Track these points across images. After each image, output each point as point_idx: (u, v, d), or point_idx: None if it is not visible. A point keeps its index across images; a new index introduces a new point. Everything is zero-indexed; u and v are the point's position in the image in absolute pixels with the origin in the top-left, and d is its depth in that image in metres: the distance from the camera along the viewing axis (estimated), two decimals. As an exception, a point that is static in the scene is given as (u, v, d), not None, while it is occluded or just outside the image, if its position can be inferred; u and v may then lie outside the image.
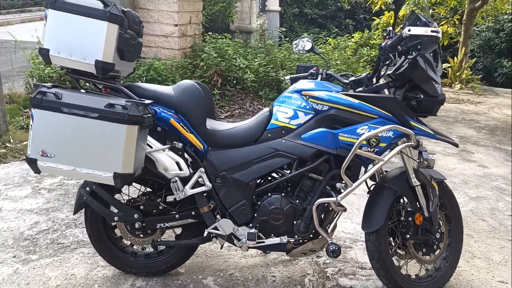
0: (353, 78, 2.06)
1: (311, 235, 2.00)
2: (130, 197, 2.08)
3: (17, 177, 3.24)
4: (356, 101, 1.88)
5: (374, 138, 1.85)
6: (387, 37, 1.99)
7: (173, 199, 2.05)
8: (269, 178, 2.04)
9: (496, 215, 3.09)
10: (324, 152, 1.91)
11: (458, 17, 9.50)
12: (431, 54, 1.91)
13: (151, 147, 1.86)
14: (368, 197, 2.07)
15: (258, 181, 2.00)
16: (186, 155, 1.94)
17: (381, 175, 2.12)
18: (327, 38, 9.54)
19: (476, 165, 4.12)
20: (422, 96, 1.85)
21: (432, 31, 1.67)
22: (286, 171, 1.98)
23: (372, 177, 2.06)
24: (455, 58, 8.57)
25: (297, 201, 1.97)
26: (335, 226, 2.06)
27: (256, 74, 5.57)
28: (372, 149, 1.87)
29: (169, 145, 1.89)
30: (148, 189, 2.11)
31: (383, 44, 1.85)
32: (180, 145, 1.91)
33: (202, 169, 1.93)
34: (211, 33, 5.97)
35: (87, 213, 2.06)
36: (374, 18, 10.62)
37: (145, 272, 2.15)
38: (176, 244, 2.11)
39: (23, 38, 5.37)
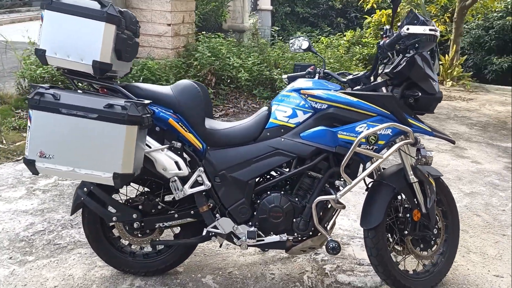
0: (350, 76, 2.08)
1: (310, 233, 2.01)
2: (128, 197, 2.07)
3: (11, 178, 3.21)
4: (355, 99, 1.89)
5: (373, 136, 1.86)
6: (384, 35, 2.00)
7: (172, 198, 2.05)
8: (268, 176, 2.04)
9: (490, 210, 3.13)
10: (323, 150, 1.92)
11: (449, 15, 9.59)
12: (428, 52, 1.92)
13: (150, 147, 1.85)
14: (367, 194, 2.09)
15: (257, 179, 2.00)
16: (185, 154, 1.94)
17: (379, 172, 2.13)
18: (320, 36, 9.57)
19: (469, 161, 4.17)
20: (420, 94, 1.87)
21: (430, 30, 1.69)
22: (285, 169, 1.99)
23: (370, 174, 2.07)
24: (446, 55, 8.65)
25: (296, 199, 1.98)
26: (334, 223, 2.07)
27: (250, 73, 5.57)
28: (371, 147, 1.88)
29: (168, 145, 1.89)
30: (146, 189, 2.10)
31: (381, 42, 1.86)
32: (178, 144, 1.91)
33: (201, 169, 1.93)
34: (204, 32, 5.95)
35: (84, 213, 2.05)
36: (366, 16, 10.69)
37: (143, 272, 2.14)
38: (175, 243, 2.10)
39: (13, 39, 5.31)
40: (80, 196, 1.95)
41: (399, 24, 2.00)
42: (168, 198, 2.10)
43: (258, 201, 1.97)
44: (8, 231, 2.50)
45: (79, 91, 1.78)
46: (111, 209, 1.99)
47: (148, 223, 2.01)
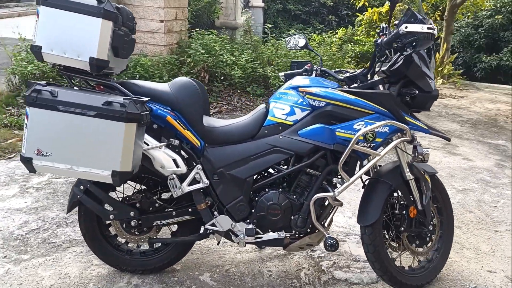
0: (348, 74, 2.08)
1: (308, 230, 2.02)
2: (125, 195, 2.06)
3: (3, 176, 3.17)
4: (353, 97, 1.90)
5: (370, 134, 1.87)
6: (380, 33, 2.01)
7: (170, 196, 2.04)
8: (266, 174, 2.04)
9: (482, 207, 3.17)
10: (321, 148, 1.92)
11: (439, 13, 9.67)
12: (424, 50, 1.94)
13: (148, 145, 1.84)
14: (363, 192, 2.10)
15: (255, 177, 2.00)
16: (182, 152, 1.94)
17: (375, 170, 2.15)
18: (312, 34, 9.59)
19: (461, 158, 4.22)
20: (417, 92, 1.89)
21: (428, 28, 1.71)
22: (283, 167, 2.00)
23: (366, 172, 2.09)
24: (437, 53, 8.72)
25: (294, 196, 1.99)
26: (331, 220, 2.08)
27: (243, 70, 5.56)
28: (369, 144, 1.90)
29: (165, 143, 1.88)
30: (143, 187, 2.09)
31: (379, 40, 1.87)
32: (176, 142, 1.90)
33: (199, 166, 1.93)
34: (198, 29, 5.92)
35: (81, 211, 2.04)
36: (358, 14, 10.75)
37: (141, 270, 2.13)
38: (173, 241, 2.10)
39: (2, 34, 5.23)
40: (77, 194, 1.94)
41: (395, 22, 2.01)
42: (164, 196, 2.09)
43: (256, 198, 1.98)
44: (2, 229, 2.47)
45: (75, 88, 1.76)
46: (108, 207, 1.98)
47: (146, 221, 2.00)
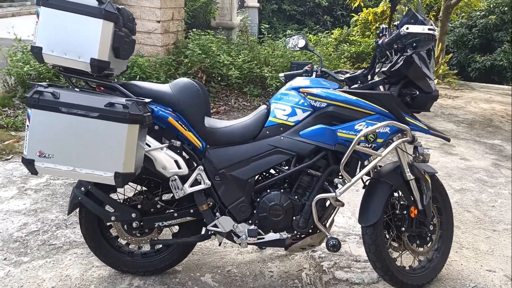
0: (348, 75, 2.09)
1: (310, 230, 2.03)
2: (126, 197, 2.05)
3: (1, 177, 3.14)
4: (354, 97, 1.91)
5: (371, 134, 1.88)
6: (381, 34, 2.02)
7: (171, 197, 2.04)
8: (267, 175, 2.05)
9: (480, 207, 3.19)
10: (322, 148, 1.93)
11: (434, 13, 9.72)
12: (424, 51, 1.95)
13: (149, 146, 1.84)
14: (364, 192, 2.11)
15: (256, 178, 2.00)
16: (184, 153, 1.93)
17: (376, 170, 2.16)
18: (308, 34, 9.61)
19: (458, 158, 4.25)
20: (417, 92, 1.90)
21: (429, 29, 1.71)
22: (284, 167, 2.00)
23: (366, 172, 2.10)
24: (432, 53, 8.75)
25: (296, 197, 1.99)
26: (332, 220, 2.09)
27: (240, 70, 5.55)
28: (370, 145, 1.90)
29: (167, 144, 1.88)
30: (144, 188, 2.08)
31: (379, 41, 1.88)
32: (178, 143, 1.90)
33: (201, 167, 1.92)
34: (195, 29, 5.91)
35: (81, 213, 2.03)
36: (353, 14, 10.78)
37: (142, 271, 2.13)
38: (175, 242, 2.10)
39: (-2, 35, 5.20)
40: (78, 196, 1.93)
41: (395, 23, 2.03)
42: (165, 197, 2.09)
43: (258, 199, 1.98)
44: (1, 231, 2.45)
45: (76, 89, 1.75)
46: (109, 208, 1.97)
47: (148, 222, 1.99)
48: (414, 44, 1.80)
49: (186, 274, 2.19)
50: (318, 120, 1.92)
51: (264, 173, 2.03)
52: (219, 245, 2.18)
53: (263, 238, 2.00)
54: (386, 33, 2.00)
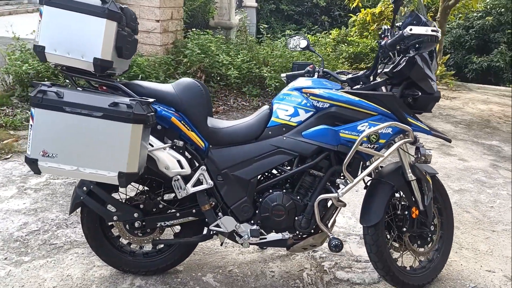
0: (350, 75, 2.10)
1: (312, 231, 2.03)
2: (128, 196, 2.05)
3: (1, 177, 3.13)
4: (356, 98, 1.91)
5: (374, 135, 1.89)
6: (382, 35, 2.03)
7: (173, 197, 2.04)
8: (269, 175, 2.05)
9: (479, 207, 3.21)
10: (324, 149, 1.93)
11: (432, 14, 9.75)
12: (427, 52, 1.96)
13: (152, 146, 1.84)
14: (366, 192, 2.12)
15: (259, 178, 2.00)
16: (186, 153, 1.93)
17: (377, 171, 2.17)
18: (306, 35, 9.60)
19: (456, 159, 4.27)
20: (420, 93, 1.91)
21: (432, 30, 1.72)
22: (286, 168, 2.00)
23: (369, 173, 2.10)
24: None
25: (298, 197, 1.99)
26: (334, 221, 2.09)
27: (239, 70, 5.55)
28: (372, 146, 1.91)
29: (170, 144, 1.88)
30: (146, 188, 2.08)
31: (382, 42, 1.89)
32: (181, 143, 1.90)
33: (204, 167, 1.93)
34: (194, 29, 5.91)
35: (83, 213, 2.02)
36: (351, 15, 10.78)
37: (144, 271, 2.13)
38: (177, 242, 2.10)
39: (-4, 33, 5.18)
40: (80, 196, 1.92)
41: (397, 24, 2.03)
42: (167, 197, 2.08)
43: (260, 199, 1.98)
44: (1, 231, 2.44)
45: (78, 88, 1.75)
46: (111, 208, 1.96)
47: (150, 222, 1.99)
48: (417, 45, 1.80)
49: (187, 274, 2.19)
50: (320, 120, 1.93)
51: (266, 173, 2.03)
52: (221, 245, 2.19)
53: (265, 238, 2.01)
54: (388, 34, 2.01)
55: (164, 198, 2.07)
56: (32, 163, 1.60)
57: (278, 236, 2.01)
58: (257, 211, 1.98)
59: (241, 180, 1.95)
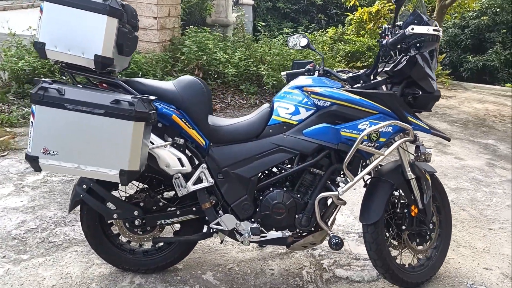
0: (350, 74, 2.10)
1: (312, 229, 2.03)
2: (128, 194, 2.04)
3: (-3, 174, 3.11)
4: (357, 97, 1.92)
5: (374, 133, 1.90)
6: (383, 34, 2.03)
7: (173, 195, 2.03)
8: (270, 173, 2.05)
9: (476, 205, 3.24)
10: (325, 147, 1.94)
11: (428, 13, 9.78)
12: (427, 51, 1.96)
13: (153, 144, 1.83)
14: (365, 191, 2.13)
15: (259, 176, 2.00)
16: (187, 151, 1.93)
17: (376, 169, 2.17)
18: (304, 33, 9.60)
19: (453, 158, 4.29)
20: (420, 92, 1.91)
21: (434, 30, 1.73)
22: (287, 166, 2.01)
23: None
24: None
25: (298, 195, 2.00)
26: (334, 219, 2.10)
27: (236, 68, 5.55)
28: (373, 144, 1.92)
29: (171, 141, 1.87)
30: (145, 186, 2.08)
31: (383, 41, 1.89)
32: (181, 141, 1.89)
33: (204, 165, 1.92)
34: (192, 26, 5.89)
35: (83, 210, 2.02)
36: (348, 14, 10.79)
37: (143, 269, 2.12)
38: (177, 240, 2.09)
39: (-9, 29, 5.13)
40: (79, 193, 1.92)
41: (398, 23, 2.04)
42: (167, 195, 2.08)
43: (261, 197, 1.98)
44: (-1, 229, 2.43)
45: (79, 86, 1.74)
46: (111, 206, 1.96)
47: (150, 220, 1.99)
48: (418, 44, 1.81)
49: (187, 272, 2.19)
50: (321, 119, 1.93)
51: (267, 171, 2.04)
52: (221, 243, 2.19)
53: (266, 236, 2.01)
54: (389, 33, 2.01)
55: (164, 196, 2.07)
56: (33, 161, 1.59)
57: (278, 234, 2.01)
58: (257, 209, 1.99)
59: (241, 178, 1.95)
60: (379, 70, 2.01)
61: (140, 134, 1.62)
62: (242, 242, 2.02)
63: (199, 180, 1.93)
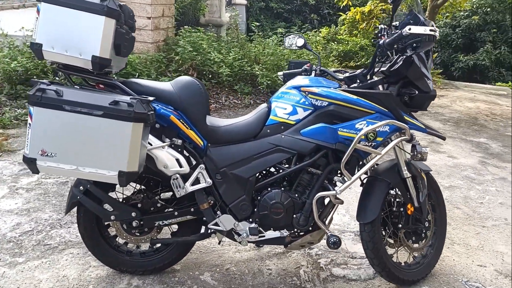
0: (347, 74, 2.12)
1: (310, 228, 2.04)
2: (125, 195, 2.03)
3: (-10, 176, 3.08)
4: (354, 97, 1.93)
5: (372, 133, 1.91)
6: (379, 35, 2.05)
7: (171, 196, 2.03)
8: (267, 173, 2.06)
9: (469, 203, 3.27)
10: (323, 147, 1.95)
11: (420, 13, 9.85)
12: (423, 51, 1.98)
13: (151, 145, 1.83)
14: (362, 190, 2.14)
15: (257, 176, 2.01)
16: (185, 151, 1.93)
17: (373, 168, 2.19)
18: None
19: (446, 156, 4.34)
20: (416, 92, 1.93)
21: (430, 30, 1.75)
22: (285, 166, 2.01)
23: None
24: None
25: (296, 195, 2.01)
26: (331, 218, 2.11)
27: (231, 68, 5.55)
28: (370, 143, 1.93)
29: (169, 142, 1.87)
30: (143, 187, 2.07)
31: (380, 41, 1.91)
32: (179, 142, 1.89)
33: (202, 166, 1.92)
34: (187, 26, 5.88)
35: (80, 212, 2.00)
36: (340, 13, 10.84)
37: (141, 271, 2.12)
38: (175, 241, 2.09)
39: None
40: (76, 195, 1.91)
41: (394, 23, 2.05)
42: (164, 195, 2.07)
43: (259, 197, 1.99)
44: (-6, 231, 2.41)
45: (76, 87, 1.73)
46: (108, 207, 1.95)
47: (148, 221, 1.98)
48: (415, 44, 1.83)
49: (185, 273, 2.18)
50: (319, 118, 1.94)
51: (265, 172, 2.04)
52: (219, 243, 2.19)
53: (264, 236, 2.01)
54: (385, 33, 2.03)
55: (161, 197, 2.06)
56: (31, 163, 1.58)
57: (276, 234, 2.02)
58: (255, 209, 1.99)
59: (239, 179, 1.95)
60: (376, 70, 2.03)
61: (139, 135, 1.61)
62: (240, 243, 2.02)
63: (197, 181, 1.93)
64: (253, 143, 1.97)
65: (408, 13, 1.91)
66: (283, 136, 1.96)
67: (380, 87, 2.00)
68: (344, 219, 2.87)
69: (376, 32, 2.07)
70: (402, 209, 2.14)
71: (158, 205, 2.01)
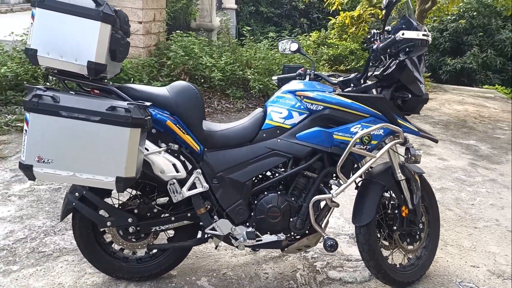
0: (341, 78, 2.14)
1: (306, 231, 2.06)
2: (121, 201, 2.02)
3: (-19, 183, 3.04)
4: (349, 100, 1.95)
5: (366, 136, 1.94)
6: (372, 39, 2.08)
7: (168, 201, 2.03)
8: (264, 177, 2.07)
9: (460, 205, 3.32)
10: (318, 151, 1.97)
11: (408, 18, 9.98)
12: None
13: (147, 150, 1.83)
14: (357, 193, 2.16)
15: (253, 180, 2.02)
16: (181, 156, 1.93)
17: (367, 171, 2.21)
18: (287, 37, 9.68)
19: (436, 158, 4.39)
20: (409, 95, 1.97)
21: (423, 35, 1.78)
22: (281, 169, 2.03)
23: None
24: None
25: (293, 198, 2.02)
26: (327, 221, 2.13)
27: (222, 72, 5.56)
28: (365, 147, 1.96)
29: (165, 147, 1.87)
30: (138, 193, 2.06)
31: (374, 46, 1.93)
32: (176, 146, 1.89)
33: (199, 170, 1.93)
34: (178, 31, 5.87)
35: (75, 218, 1.99)
36: (330, 18, 10.93)
37: (137, 277, 2.10)
38: (172, 246, 2.08)
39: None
40: (72, 201, 1.89)
41: (387, 28, 2.09)
42: (160, 201, 2.07)
43: (255, 201, 2.00)
44: (-14, 239, 2.38)
45: (71, 92, 1.73)
46: (104, 213, 1.94)
47: (144, 227, 1.98)
48: (407, 49, 1.86)
49: (181, 279, 2.18)
50: (314, 122, 1.96)
51: (261, 176, 2.05)
52: (216, 248, 2.19)
53: (261, 240, 2.02)
54: (377, 38, 2.07)
55: (157, 202, 2.06)
56: (27, 169, 1.57)
57: (273, 237, 2.03)
58: (252, 214, 2.00)
59: (236, 183, 1.96)
60: (369, 74, 2.06)
61: (136, 141, 1.61)
62: (237, 247, 2.02)
63: (193, 186, 1.93)
64: (249, 147, 1.98)
65: (401, 18, 1.95)
66: (279, 140, 1.97)
67: (374, 91, 2.03)
68: (339, 222, 2.88)
69: (368, 36, 2.09)
70: (396, 211, 2.16)
71: (155, 210, 2.00)
